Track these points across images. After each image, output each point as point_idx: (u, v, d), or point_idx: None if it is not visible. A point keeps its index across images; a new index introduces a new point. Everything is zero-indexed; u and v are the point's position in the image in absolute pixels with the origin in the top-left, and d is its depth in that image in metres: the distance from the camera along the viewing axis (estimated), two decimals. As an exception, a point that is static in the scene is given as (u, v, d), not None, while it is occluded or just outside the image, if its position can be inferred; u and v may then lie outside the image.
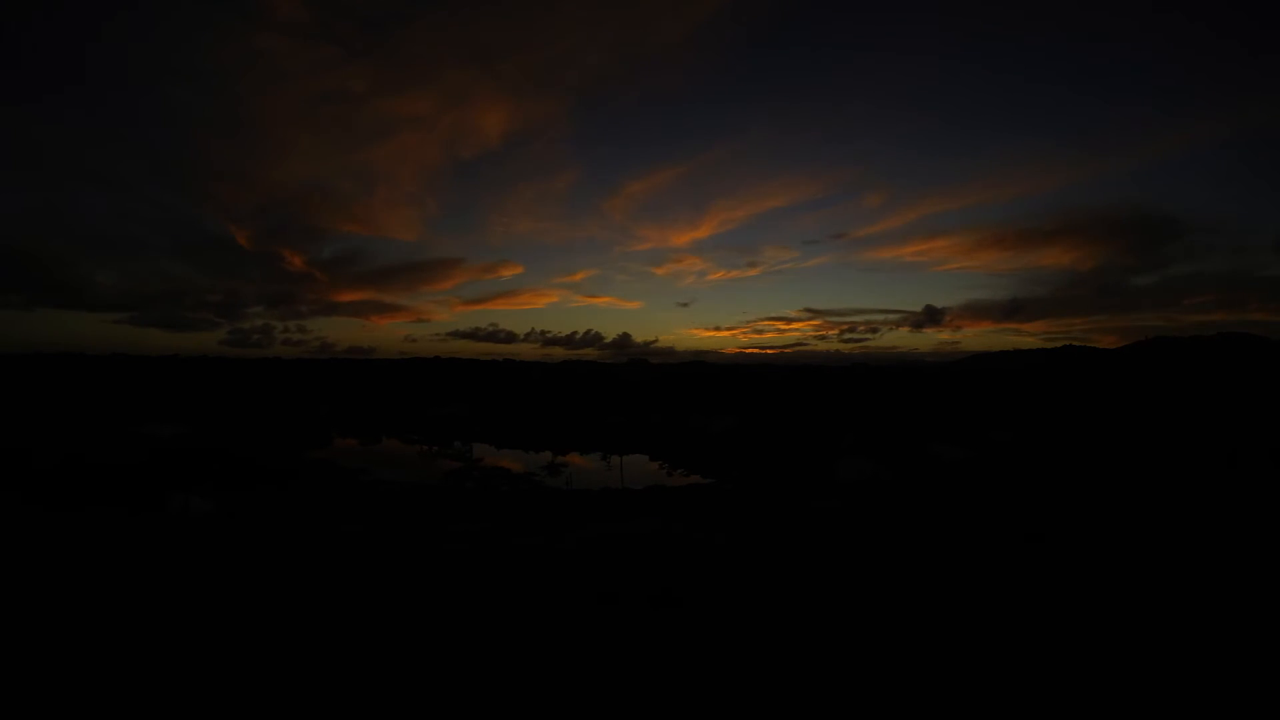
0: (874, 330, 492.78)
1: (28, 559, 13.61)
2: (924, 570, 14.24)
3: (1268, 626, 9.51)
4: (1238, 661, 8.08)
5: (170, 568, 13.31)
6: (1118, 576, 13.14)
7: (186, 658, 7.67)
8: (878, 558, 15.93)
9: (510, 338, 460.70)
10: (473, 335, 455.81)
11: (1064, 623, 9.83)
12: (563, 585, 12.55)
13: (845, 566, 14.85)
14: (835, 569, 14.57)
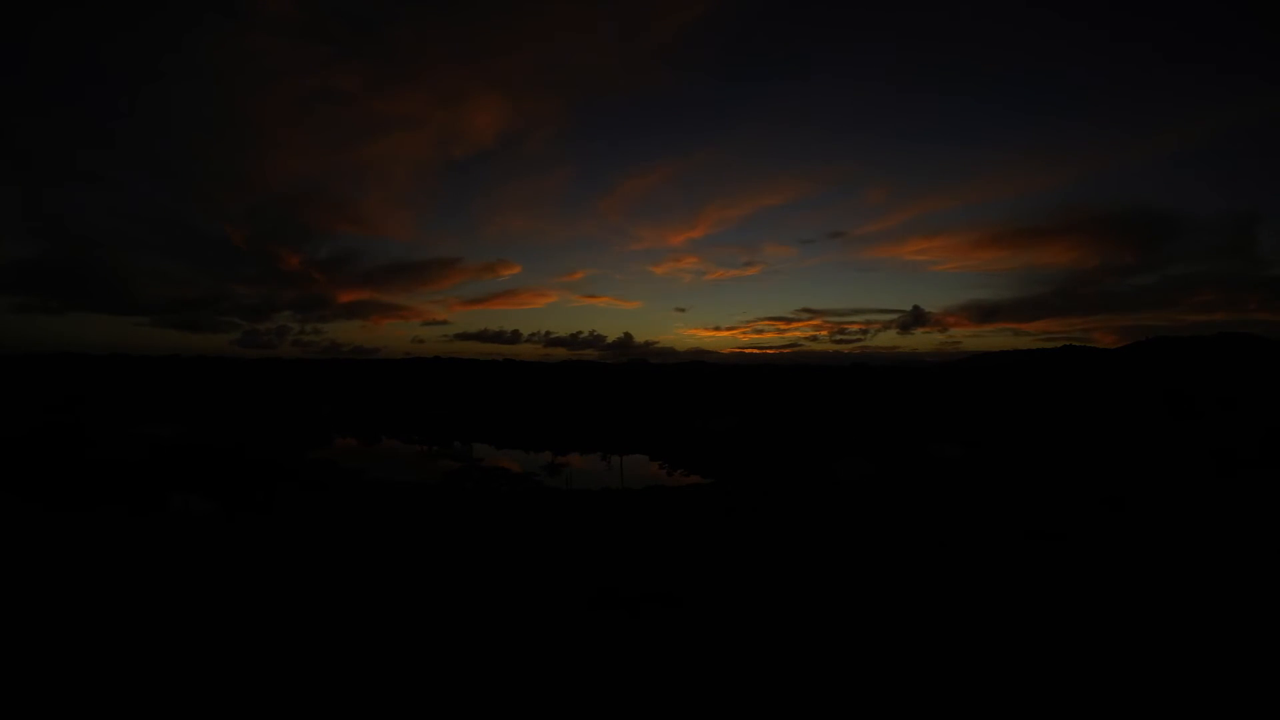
0: (864, 332, 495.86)
1: (29, 560, 13.66)
2: (922, 571, 14.28)
3: (1257, 619, 9.56)
4: (1226, 652, 8.13)
5: (168, 570, 13.36)
6: (1116, 576, 13.18)
7: (186, 657, 7.73)
8: (876, 560, 15.97)
9: (516, 337, 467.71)
10: (479, 337, 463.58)
11: (1066, 631, 9.87)
12: (562, 586, 12.60)
13: (844, 567, 14.89)
14: (834, 570, 14.62)
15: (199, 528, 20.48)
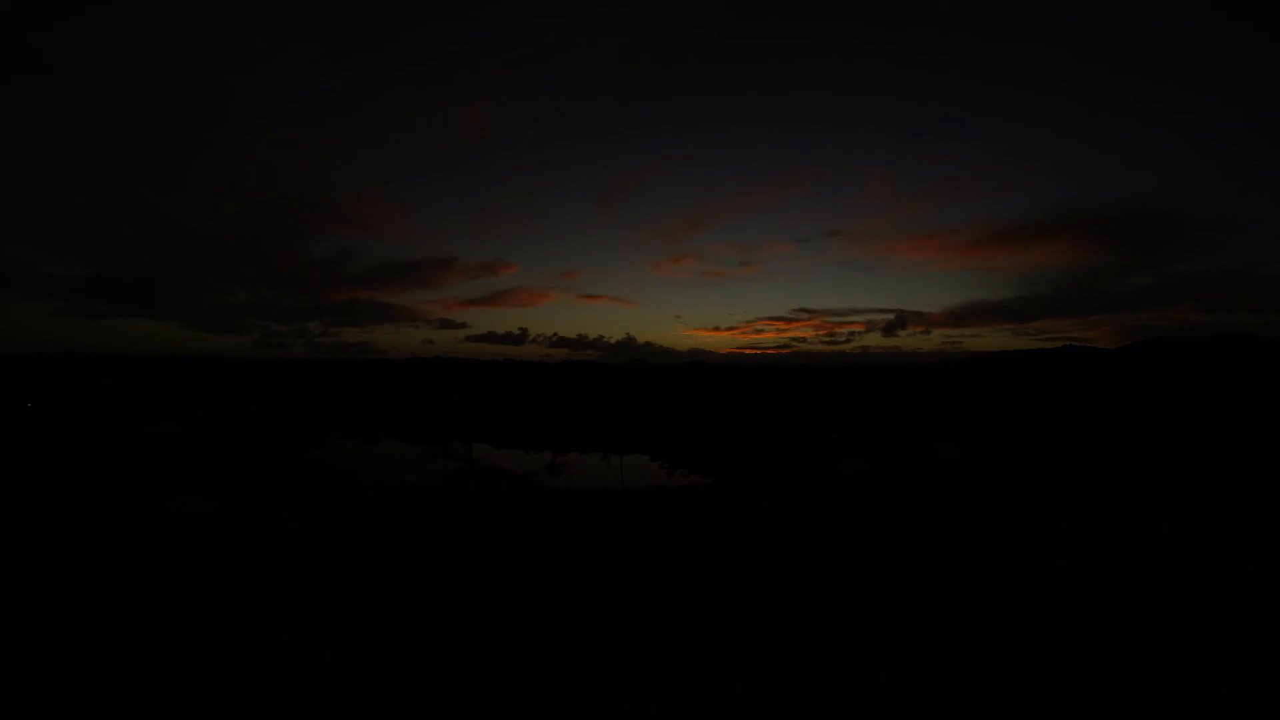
0: (856, 333, 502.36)
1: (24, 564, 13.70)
2: (919, 570, 14.36)
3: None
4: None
5: (170, 570, 13.41)
6: (1114, 577, 13.25)
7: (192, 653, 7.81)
8: (873, 558, 16.03)
9: (523, 335, 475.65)
10: (487, 338, 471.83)
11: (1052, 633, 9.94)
12: (561, 584, 12.67)
13: (840, 566, 14.96)
14: (831, 568, 14.68)
15: (197, 529, 20.55)
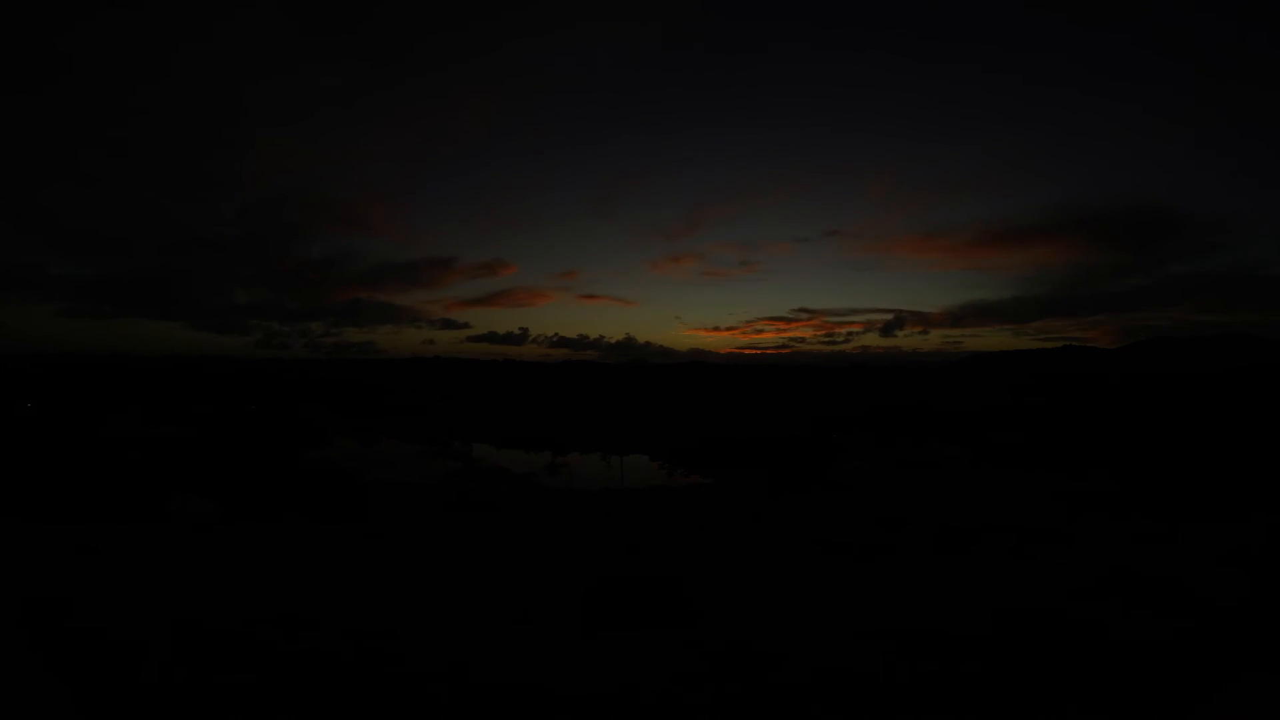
0: (854, 333, 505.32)
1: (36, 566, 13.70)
2: (922, 573, 14.37)
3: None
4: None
5: (170, 571, 13.42)
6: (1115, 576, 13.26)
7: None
8: (869, 558, 16.03)
9: (523, 335, 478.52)
10: (488, 338, 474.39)
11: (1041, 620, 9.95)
12: (561, 583, 12.68)
13: (837, 565, 14.97)
14: (825, 566, 14.69)
15: (197, 529, 20.55)
